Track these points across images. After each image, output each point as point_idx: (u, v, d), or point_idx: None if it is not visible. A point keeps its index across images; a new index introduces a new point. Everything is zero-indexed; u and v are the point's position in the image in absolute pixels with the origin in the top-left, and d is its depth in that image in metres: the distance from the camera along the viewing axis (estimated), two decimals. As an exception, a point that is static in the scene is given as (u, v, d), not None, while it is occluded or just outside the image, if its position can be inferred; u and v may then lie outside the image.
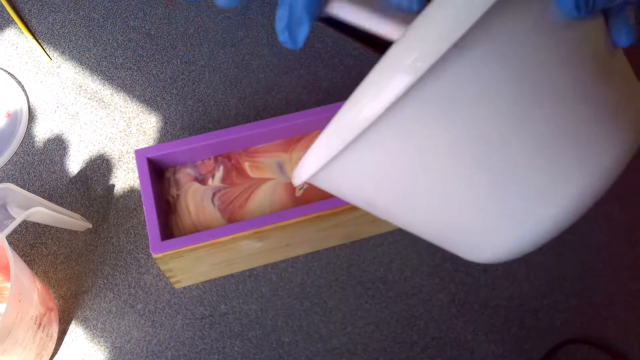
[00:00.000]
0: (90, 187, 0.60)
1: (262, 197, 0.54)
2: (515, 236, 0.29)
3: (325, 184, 0.32)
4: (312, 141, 0.56)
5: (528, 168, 0.27)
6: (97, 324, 0.54)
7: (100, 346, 0.53)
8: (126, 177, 0.61)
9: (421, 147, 0.27)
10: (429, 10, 0.25)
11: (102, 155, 0.62)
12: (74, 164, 0.62)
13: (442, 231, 0.31)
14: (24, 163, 0.62)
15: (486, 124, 0.26)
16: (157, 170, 0.55)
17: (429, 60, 0.24)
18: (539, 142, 0.27)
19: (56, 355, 0.53)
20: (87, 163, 0.62)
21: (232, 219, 0.53)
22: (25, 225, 0.58)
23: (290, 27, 0.31)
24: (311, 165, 0.30)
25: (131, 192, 0.60)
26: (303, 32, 0.31)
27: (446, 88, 0.25)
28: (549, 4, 0.26)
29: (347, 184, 0.31)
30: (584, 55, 0.28)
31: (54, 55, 0.69)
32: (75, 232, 0.58)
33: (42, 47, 0.69)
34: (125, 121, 0.64)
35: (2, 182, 0.61)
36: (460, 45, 0.24)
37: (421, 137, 0.27)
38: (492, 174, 0.27)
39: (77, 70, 0.67)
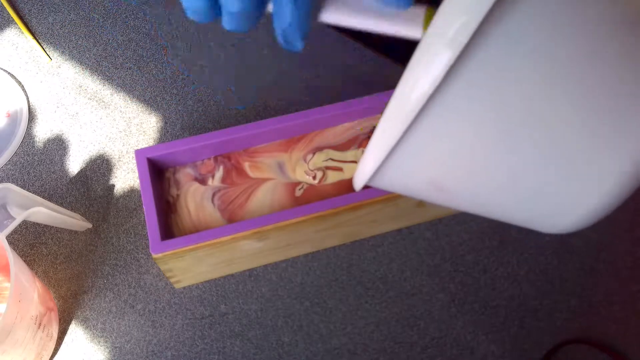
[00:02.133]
0: (90, 187, 0.60)
1: (262, 197, 0.54)
2: (591, 197, 0.28)
3: (389, 180, 0.31)
4: (312, 141, 0.56)
5: (590, 128, 0.27)
6: (97, 324, 0.54)
7: (100, 346, 0.53)
8: (126, 177, 0.61)
9: (478, 119, 0.27)
10: None
11: (102, 155, 0.62)
12: (74, 164, 0.62)
13: (515, 205, 0.31)
14: (24, 163, 0.62)
15: (540, 86, 0.26)
16: (157, 170, 0.55)
17: (471, 25, 0.24)
18: (599, 99, 0.26)
19: (56, 355, 0.53)
20: (87, 163, 0.62)
21: (232, 219, 0.53)
22: (25, 225, 0.58)
23: (287, 40, 0.32)
24: (374, 158, 0.29)
25: (131, 192, 0.60)
26: (299, 45, 0.31)
27: (492, 52, 0.25)
28: None
29: (411, 174, 0.30)
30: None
31: (54, 55, 0.69)
32: (75, 232, 0.58)
33: (42, 47, 0.69)
34: (125, 121, 0.64)
35: (2, 182, 0.61)
36: (500, 8, 0.24)
37: (475, 108, 0.26)
38: (555, 139, 0.27)
39: (77, 70, 0.67)
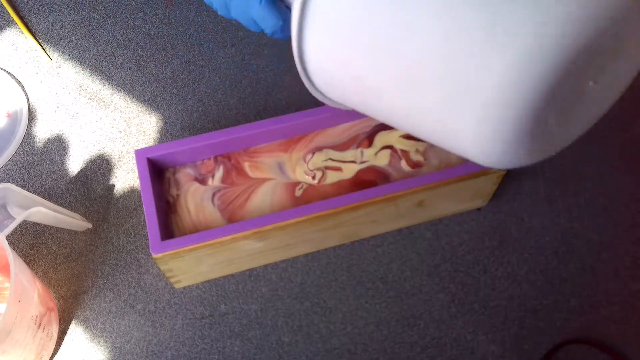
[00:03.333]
0: (90, 187, 0.60)
1: (262, 197, 0.54)
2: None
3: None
4: (311, 141, 0.56)
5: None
6: (97, 324, 0.54)
7: (100, 346, 0.53)
8: (126, 177, 0.61)
9: None
10: None
11: (102, 155, 0.62)
12: (74, 164, 0.62)
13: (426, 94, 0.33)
14: (24, 163, 0.62)
15: None
16: (157, 170, 0.55)
17: None
18: None
19: (56, 355, 0.53)
20: (87, 163, 0.62)
21: (232, 219, 0.53)
22: (25, 225, 0.58)
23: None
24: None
25: (131, 192, 0.60)
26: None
27: None
28: None
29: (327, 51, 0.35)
30: None
31: (54, 55, 0.69)
32: (75, 232, 0.58)
33: (42, 47, 0.69)
34: (125, 121, 0.64)
35: (2, 182, 0.61)
36: None
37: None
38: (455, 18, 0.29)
39: (77, 70, 0.67)
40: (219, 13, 0.44)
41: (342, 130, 0.57)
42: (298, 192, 0.54)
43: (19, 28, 0.70)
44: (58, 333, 0.53)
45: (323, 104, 0.57)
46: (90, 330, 0.54)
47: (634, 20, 0.31)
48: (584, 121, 0.39)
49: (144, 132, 0.63)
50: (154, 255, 0.48)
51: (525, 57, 0.29)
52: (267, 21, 0.41)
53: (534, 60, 0.29)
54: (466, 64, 0.30)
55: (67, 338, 0.53)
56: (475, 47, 0.29)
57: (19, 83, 0.67)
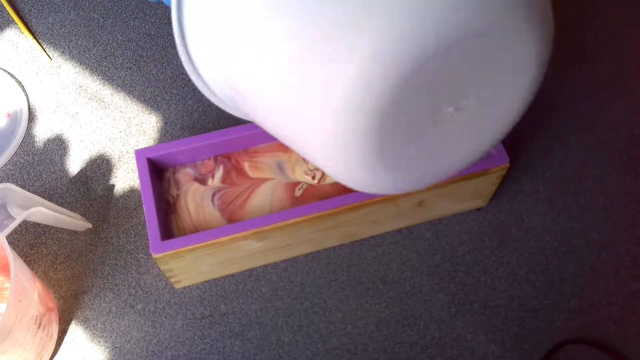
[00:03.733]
0: (90, 187, 0.60)
1: (262, 197, 0.54)
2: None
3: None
4: (312, 141, 0.56)
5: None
6: (97, 324, 0.54)
7: (100, 346, 0.53)
8: (126, 177, 0.61)
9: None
10: None
11: (102, 155, 0.62)
12: (74, 164, 0.62)
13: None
14: (24, 163, 0.62)
15: None
16: (157, 170, 0.55)
17: None
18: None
19: (56, 355, 0.53)
20: (87, 163, 0.62)
21: (232, 219, 0.53)
22: (25, 225, 0.58)
23: None
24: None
25: (131, 192, 0.60)
26: None
27: None
28: None
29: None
30: None
31: (54, 55, 0.69)
32: (75, 232, 0.58)
33: (42, 47, 0.69)
34: (125, 121, 0.64)
35: (2, 182, 0.61)
36: None
37: None
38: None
39: (77, 70, 0.67)
40: None
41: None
42: (298, 192, 0.54)
43: (19, 28, 0.70)
44: (58, 333, 0.53)
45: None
46: (90, 330, 0.54)
47: (498, 38, 0.30)
48: (458, 155, 0.37)
49: (144, 132, 0.63)
50: (154, 255, 0.48)
51: (374, 54, 0.28)
52: None
53: (380, 59, 0.28)
54: (316, 69, 0.30)
55: (67, 338, 0.53)
56: (329, 44, 0.29)
57: (19, 83, 0.67)
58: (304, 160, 0.55)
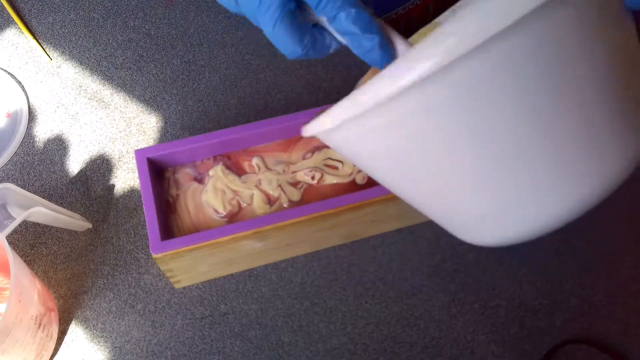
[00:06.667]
0: (90, 187, 0.60)
1: (262, 197, 0.54)
2: (516, 224, 0.30)
3: (336, 141, 0.33)
4: (311, 141, 0.56)
5: (541, 162, 0.28)
6: (97, 324, 0.54)
7: (100, 346, 0.53)
8: (126, 177, 0.61)
9: (439, 130, 0.28)
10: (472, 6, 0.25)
11: (102, 155, 0.62)
12: (74, 164, 0.62)
13: (448, 209, 0.32)
14: (24, 163, 0.62)
15: (509, 117, 0.27)
16: (157, 170, 0.55)
17: (462, 47, 0.25)
18: (555, 138, 0.27)
19: (56, 355, 0.53)
20: (87, 163, 0.62)
21: (232, 219, 0.53)
22: (25, 225, 0.58)
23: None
24: (334, 117, 0.30)
25: (131, 192, 0.60)
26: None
27: (474, 77, 0.26)
28: None
29: (364, 148, 0.32)
30: (619, 48, 0.28)
31: (54, 55, 0.69)
32: (75, 232, 0.58)
33: (42, 47, 0.69)
34: (125, 121, 0.64)
35: (2, 182, 0.61)
36: (495, 38, 0.25)
37: (441, 119, 0.27)
38: (507, 162, 0.28)
39: (77, 70, 0.67)
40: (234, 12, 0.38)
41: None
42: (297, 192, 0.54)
43: (19, 28, 0.70)
44: (58, 333, 0.53)
45: (323, 104, 0.57)
46: (90, 330, 0.54)
47: None
48: None
49: (144, 132, 0.63)
50: (154, 255, 0.48)
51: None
52: (284, 46, 0.35)
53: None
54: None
55: (67, 338, 0.53)
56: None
57: (19, 83, 0.67)
58: (304, 159, 0.55)
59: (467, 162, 0.28)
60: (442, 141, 0.28)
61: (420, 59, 0.25)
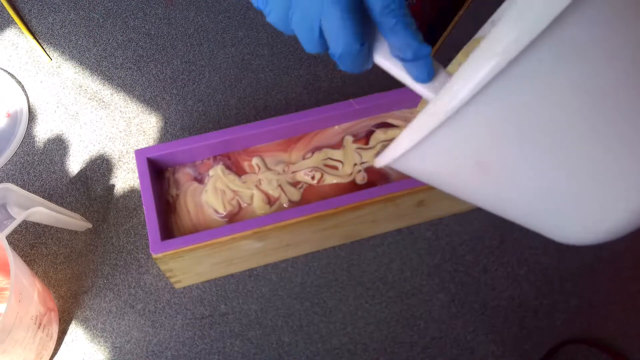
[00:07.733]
0: (90, 187, 0.60)
1: (262, 197, 0.54)
2: (607, 220, 0.30)
3: (411, 166, 0.33)
4: (311, 141, 0.56)
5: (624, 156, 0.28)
6: (97, 324, 0.54)
7: (100, 346, 0.53)
8: (126, 177, 0.61)
9: (513, 128, 0.28)
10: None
11: (102, 155, 0.62)
12: (74, 164, 0.62)
13: (536, 211, 0.33)
14: (24, 163, 0.62)
15: (579, 114, 0.26)
16: (157, 170, 0.55)
17: (519, 44, 0.24)
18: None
19: (56, 355, 0.53)
20: (87, 163, 0.62)
21: (232, 219, 0.53)
22: (25, 225, 0.58)
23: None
24: (410, 140, 0.30)
25: (131, 192, 0.60)
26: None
27: (538, 73, 0.26)
28: None
29: (434, 165, 0.32)
30: None
31: (54, 55, 0.69)
32: (75, 232, 0.58)
33: (42, 47, 0.69)
34: (125, 121, 0.64)
35: (2, 182, 0.61)
36: (555, 26, 0.24)
37: (512, 118, 0.27)
38: (589, 152, 0.28)
39: (77, 70, 0.67)
40: (276, 27, 0.33)
41: (341, 130, 0.57)
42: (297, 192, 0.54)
43: (19, 28, 0.70)
44: (58, 333, 0.53)
45: (323, 104, 0.57)
46: (90, 330, 0.54)
47: None
48: None
49: (144, 132, 0.63)
50: (154, 255, 0.48)
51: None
52: (340, 37, 0.30)
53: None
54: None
55: (67, 338, 0.53)
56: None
57: (19, 83, 0.67)
58: (304, 159, 0.55)
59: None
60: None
61: (502, 39, 0.25)
